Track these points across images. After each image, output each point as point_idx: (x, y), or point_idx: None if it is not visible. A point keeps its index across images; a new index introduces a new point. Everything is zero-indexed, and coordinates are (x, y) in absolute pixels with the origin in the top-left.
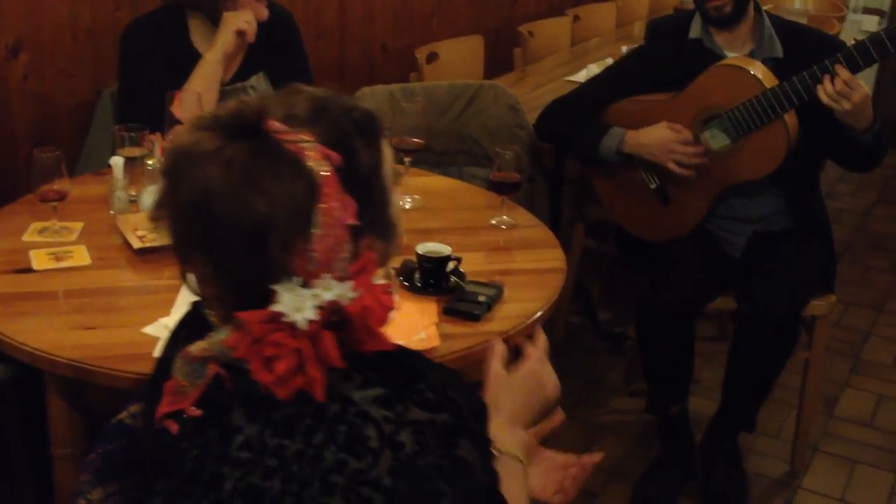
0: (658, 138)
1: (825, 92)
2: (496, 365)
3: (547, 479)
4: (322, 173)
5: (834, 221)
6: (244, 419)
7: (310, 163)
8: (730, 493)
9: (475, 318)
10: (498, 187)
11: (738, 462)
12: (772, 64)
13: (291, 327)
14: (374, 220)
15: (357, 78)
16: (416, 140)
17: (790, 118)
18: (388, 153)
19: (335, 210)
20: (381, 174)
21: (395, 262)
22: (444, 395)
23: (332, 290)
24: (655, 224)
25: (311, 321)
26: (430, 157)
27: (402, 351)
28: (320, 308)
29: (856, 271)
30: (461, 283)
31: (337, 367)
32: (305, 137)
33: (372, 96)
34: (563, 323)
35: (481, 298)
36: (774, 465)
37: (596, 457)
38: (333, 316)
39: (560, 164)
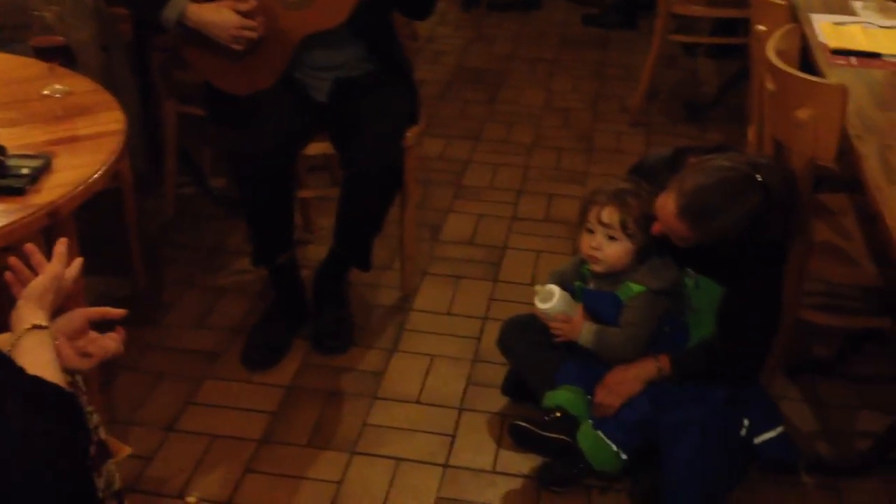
0: (220, 20)
1: None
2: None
3: (68, 348)
4: None
5: (434, 62)
6: None
7: None
8: (337, 331)
9: (19, 192)
10: (42, 54)
11: (345, 301)
12: None
13: None
14: None
15: None
16: None
17: None
18: None
19: None
20: None
21: None
22: None
23: None
24: (240, 76)
25: None
26: None
27: None
28: None
29: (456, 107)
30: (1, 157)
31: None
32: None
33: None
34: (173, 197)
35: (24, 171)
36: (388, 294)
37: (115, 312)
38: None
39: (143, 31)
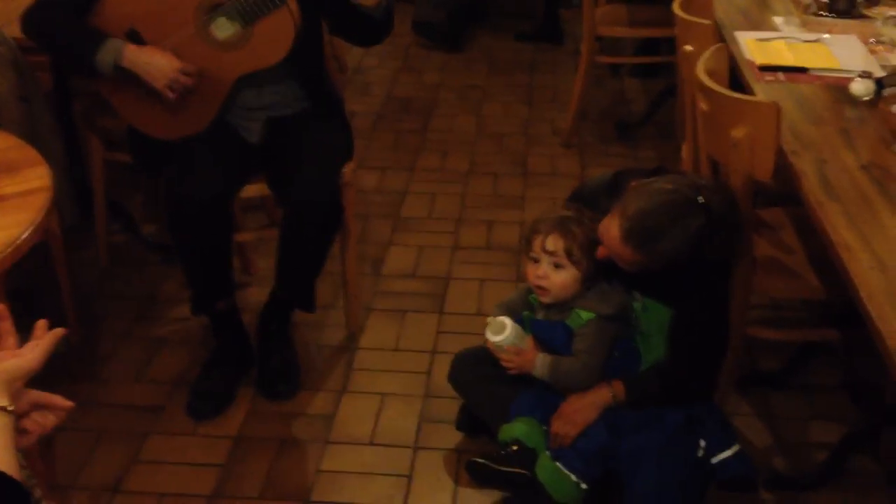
0: (160, 65)
1: None
2: None
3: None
4: None
5: (364, 93)
6: None
7: None
8: (284, 376)
9: None
10: None
11: (290, 344)
12: None
13: None
14: None
15: None
16: None
17: (292, 2)
18: None
19: None
20: None
21: None
22: None
23: None
24: (171, 121)
25: None
26: None
27: None
28: None
29: (389, 137)
30: None
31: None
32: None
33: None
34: (105, 246)
35: None
36: (334, 334)
37: (63, 404)
38: None
39: (63, 78)
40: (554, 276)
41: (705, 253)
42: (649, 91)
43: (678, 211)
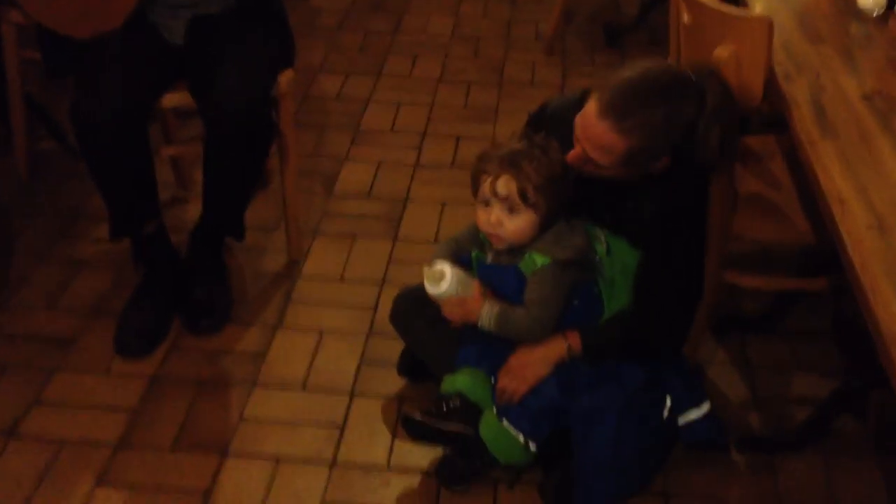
0: None
1: None
2: None
3: None
4: None
5: None
6: None
7: None
8: (211, 308)
9: None
10: None
11: (222, 272)
12: None
13: None
14: None
15: None
16: None
17: None
18: None
19: None
20: None
21: None
22: None
23: None
24: (82, 15)
25: None
26: None
27: None
28: None
29: (356, 38)
30: None
31: None
32: None
33: None
34: (25, 155)
35: None
36: (273, 260)
37: None
38: None
39: None
40: (508, 222)
41: (694, 152)
42: None
43: (670, 89)
